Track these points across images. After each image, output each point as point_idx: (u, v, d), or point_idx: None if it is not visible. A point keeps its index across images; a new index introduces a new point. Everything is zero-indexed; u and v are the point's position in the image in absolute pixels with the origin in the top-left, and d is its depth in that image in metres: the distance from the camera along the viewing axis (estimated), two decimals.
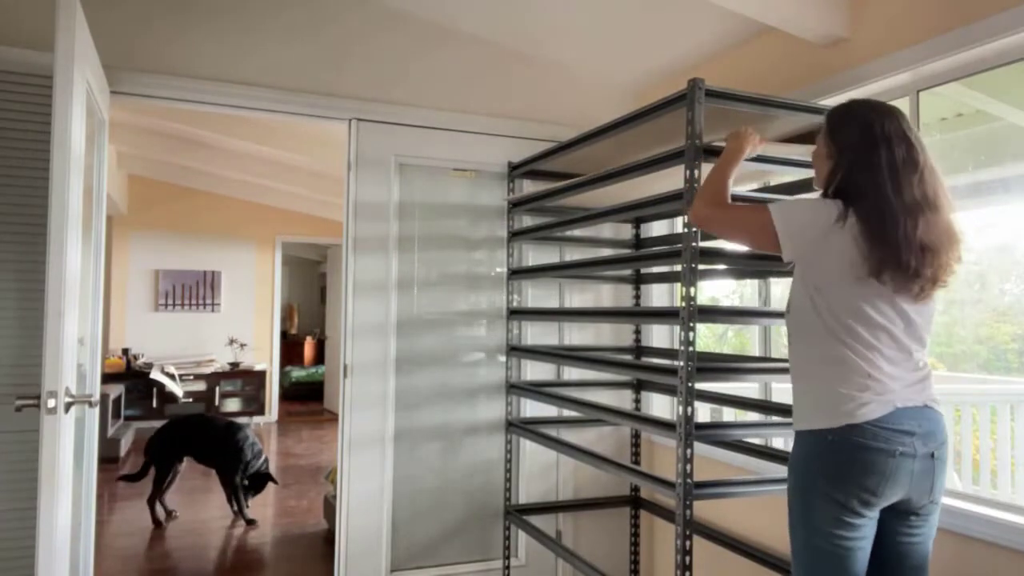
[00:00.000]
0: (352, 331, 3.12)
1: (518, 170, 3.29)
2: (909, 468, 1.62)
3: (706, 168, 2.07)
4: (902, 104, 2.43)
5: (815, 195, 1.85)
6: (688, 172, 2.05)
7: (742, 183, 2.74)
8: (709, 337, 5.24)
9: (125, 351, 7.84)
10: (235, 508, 4.74)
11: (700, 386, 2.18)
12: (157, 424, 4.99)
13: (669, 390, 3.22)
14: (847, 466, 1.61)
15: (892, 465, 1.60)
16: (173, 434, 4.75)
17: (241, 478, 4.72)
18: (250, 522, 4.69)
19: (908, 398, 1.65)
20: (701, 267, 2.14)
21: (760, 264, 2.38)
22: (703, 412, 3.89)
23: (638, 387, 3.48)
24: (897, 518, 1.69)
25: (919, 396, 1.67)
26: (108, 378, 7.24)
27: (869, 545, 1.67)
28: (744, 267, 2.57)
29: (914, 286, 1.64)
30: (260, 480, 4.81)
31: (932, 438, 1.65)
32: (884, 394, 1.63)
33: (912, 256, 1.61)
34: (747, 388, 3.23)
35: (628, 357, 3.46)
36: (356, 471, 3.10)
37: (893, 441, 1.60)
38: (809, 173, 2.31)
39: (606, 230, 3.50)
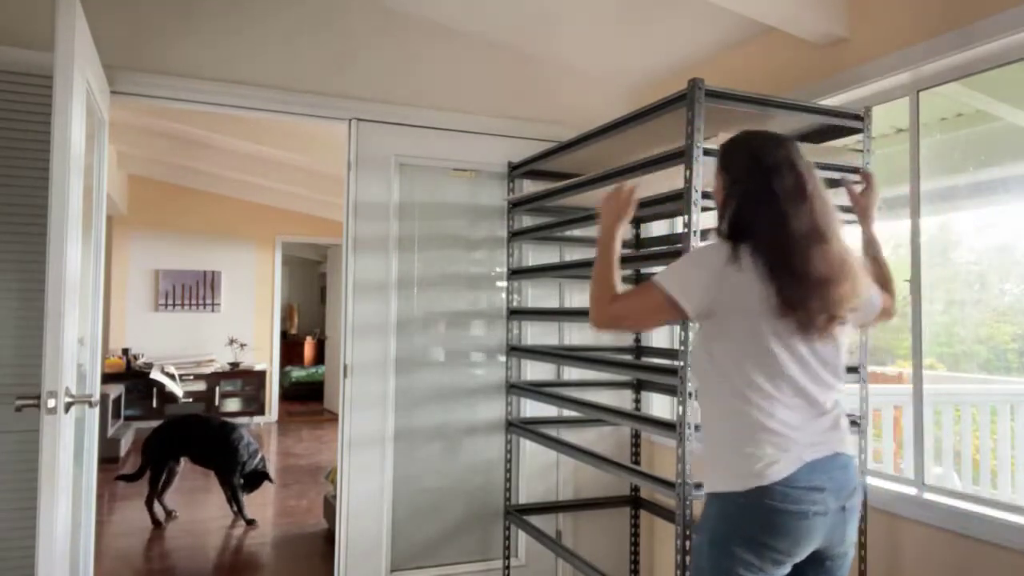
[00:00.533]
0: (352, 331, 3.12)
1: (518, 170, 3.29)
2: (822, 524, 1.57)
3: (707, 167, 2.07)
4: (902, 104, 2.43)
5: (704, 243, 1.79)
6: (688, 172, 2.05)
7: None
8: None
9: (125, 351, 7.85)
10: (235, 508, 4.74)
11: None
12: (157, 424, 4.98)
13: (669, 390, 3.22)
14: (759, 529, 1.56)
15: (805, 527, 1.55)
16: (169, 434, 4.75)
17: (239, 478, 4.72)
18: (250, 522, 4.69)
19: (816, 449, 1.58)
20: None
21: None
22: None
23: (638, 387, 3.48)
24: (810, 564, 1.64)
25: (828, 444, 1.61)
26: (108, 378, 7.23)
27: None
28: None
29: (815, 322, 1.55)
30: (256, 478, 4.81)
31: (843, 490, 1.60)
32: (790, 449, 1.56)
33: (808, 290, 1.54)
34: None
35: (628, 357, 3.46)
36: (356, 471, 3.10)
37: (804, 501, 1.54)
38: None
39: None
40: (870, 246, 2.03)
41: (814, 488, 1.55)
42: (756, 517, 1.56)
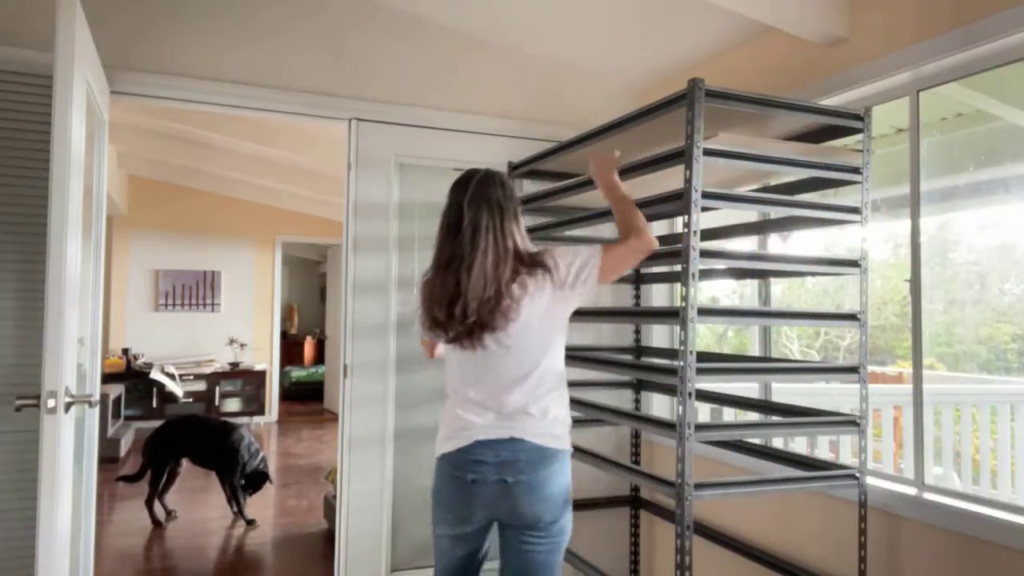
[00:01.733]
0: (352, 331, 3.12)
1: (518, 170, 3.29)
2: (481, 493, 1.89)
3: (707, 167, 2.07)
4: (902, 104, 2.43)
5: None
6: (688, 172, 2.05)
7: (744, 184, 2.74)
8: (709, 337, 5.24)
9: (125, 351, 7.85)
10: (235, 509, 4.74)
11: (700, 386, 2.18)
12: (157, 424, 4.98)
13: (669, 390, 3.22)
14: (439, 486, 1.98)
15: (462, 490, 1.91)
16: (169, 435, 4.75)
17: (239, 478, 4.72)
18: (250, 522, 4.69)
19: (490, 433, 1.90)
20: (701, 267, 2.14)
21: (760, 264, 2.38)
22: (703, 412, 3.89)
23: (638, 387, 3.48)
24: (511, 531, 1.93)
25: (506, 431, 1.89)
26: (108, 378, 7.24)
27: (467, 547, 1.99)
28: (744, 267, 2.57)
29: (459, 336, 1.89)
30: (258, 479, 4.81)
31: (508, 468, 1.87)
32: (471, 429, 1.91)
33: (441, 309, 1.88)
34: (747, 388, 3.23)
35: (628, 357, 3.46)
36: (356, 471, 3.10)
37: (465, 469, 1.90)
38: (809, 173, 2.31)
39: (606, 230, 3.49)
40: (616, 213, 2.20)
41: (476, 461, 1.89)
42: (439, 477, 1.99)
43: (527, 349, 1.91)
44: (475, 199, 1.94)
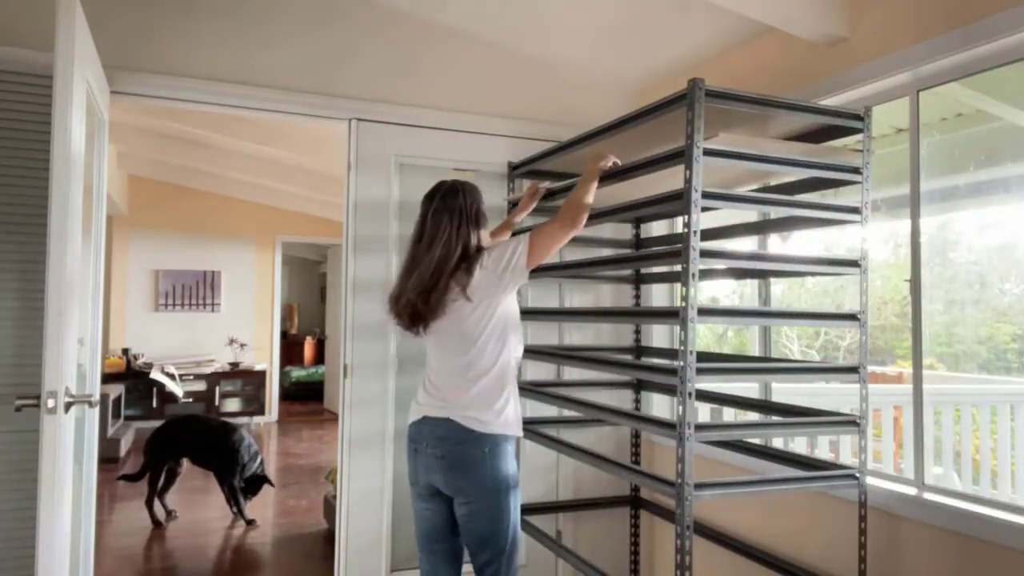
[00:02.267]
0: (352, 331, 3.12)
1: (518, 170, 3.29)
2: (422, 462, 2.21)
3: (707, 167, 2.07)
4: (902, 104, 2.43)
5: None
6: (688, 172, 2.05)
7: (744, 184, 2.74)
8: (709, 337, 5.24)
9: (125, 351, 7.85)
10: (235, 509, 4.74)
11: (700, 386, 2.17)
12: (157, 424, 4.98)
13: (669, 390, 3.22)
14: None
15: (412, 457, 2.25)
16: (170, 435, 4.75)
17: (239, 480, 4.72)
18: (250, 522, 4.69)
19: (432, 412, 2.20)
20: (701, 267, 2.14)
21: (760, 264, 2.38)
22: (703, 412, 3.89)
23: (638, 387, 3.48)
24: (453, 499, 2.19)
25: (441, 412, 2.18)
26: (108, 378, 7.24)
27: (429, 511, 2.25)
28: (744, 267, 2.57)
29: (406, 325, 2.22)
30: (256, 483, 4.81)
31: (439, 443, 2.16)
32: (422, 405, 2.24)
33: (390, 304, 2.25)
34: (747, 388, 3.23)
35: (628, 357, 3.46)
36: (356, 471, 3.10)
37: (414, 440, 2.24)
38: (809, 173, 2.31)
39: (606, 230, 3.50)
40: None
41: (421, 435, 2.22)
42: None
43: (463, 339, 2.17)
44: (438, 210, 2.20)
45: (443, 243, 2.14)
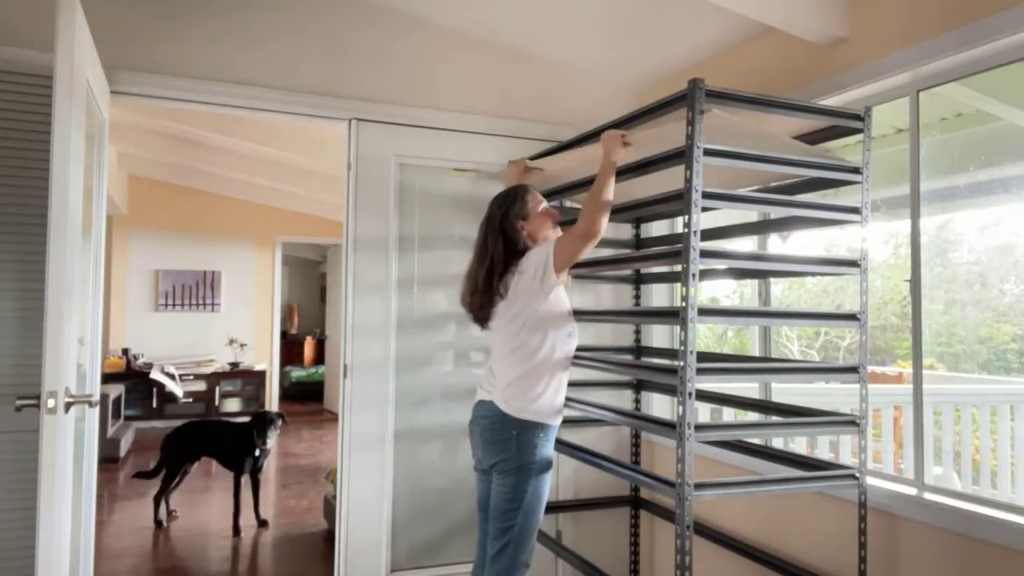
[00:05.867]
0: (352, 331, 3.12)
1: None
2: (474, 438, 2.49)
3: (707, 166, 2.07)
4: (902, 104, 2.43)
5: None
6: (688, 172, 2.05)
7: (744, 184, 2.74)
8: (709, 337, 5.25)
9: (125, 351, 7.85)
10: (236, 519, 4.61)
11: (700, 386, 2.17)
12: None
13: (669, 390, 3.22)
14: None
15: (470, 434, 2.52)
16: (191, 434, 4.74)
17: (259, 465, 4.71)
18: (262, 523, 4.68)
19: (483, 395, 2.45)
20: (701, 267, 2.14)
21: (760, 264, 2.38)
22: (703, 412, 3.89)
23: (638, 387, 3.48)
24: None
25: (488, 396, 2.42)
26: (108, 378, 7.24)
27: (484, 486, 2.47)
28: (744, 267, 2.57)
29: (475, 322, 2.48)
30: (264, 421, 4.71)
31: (481, 422, 2.42)
32: (481, 389, 2.49)
33: (462, 304, 2.49)
34: (747, 388, 3.23)
35: (628, 357, 3.46)
36: (356, 471, 3.10)
37: (472, 418, 2.50)
38: (809, 173, 2.31)
39: (606, 230, 3.49)
40: None
41: (475, 413, 2.49)
42: None
43: (508, 335, 2.39)
44: (481, 223, 2.47)
45: (478, 255, 2.43)
